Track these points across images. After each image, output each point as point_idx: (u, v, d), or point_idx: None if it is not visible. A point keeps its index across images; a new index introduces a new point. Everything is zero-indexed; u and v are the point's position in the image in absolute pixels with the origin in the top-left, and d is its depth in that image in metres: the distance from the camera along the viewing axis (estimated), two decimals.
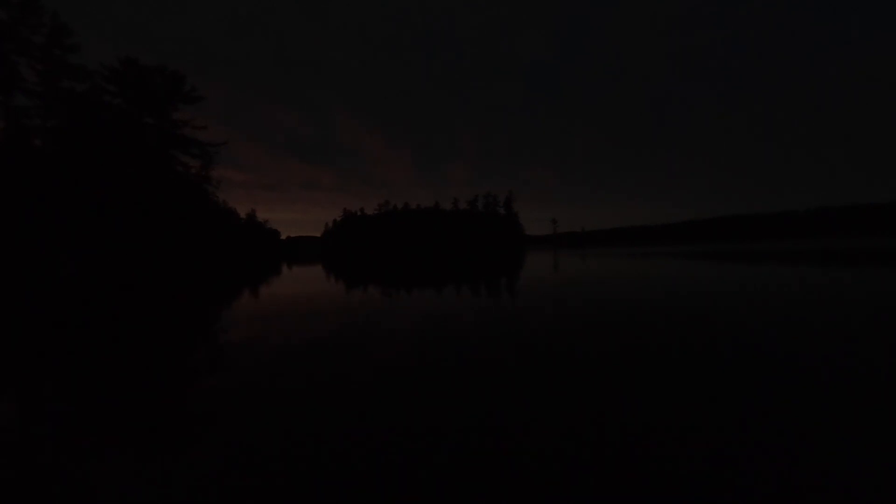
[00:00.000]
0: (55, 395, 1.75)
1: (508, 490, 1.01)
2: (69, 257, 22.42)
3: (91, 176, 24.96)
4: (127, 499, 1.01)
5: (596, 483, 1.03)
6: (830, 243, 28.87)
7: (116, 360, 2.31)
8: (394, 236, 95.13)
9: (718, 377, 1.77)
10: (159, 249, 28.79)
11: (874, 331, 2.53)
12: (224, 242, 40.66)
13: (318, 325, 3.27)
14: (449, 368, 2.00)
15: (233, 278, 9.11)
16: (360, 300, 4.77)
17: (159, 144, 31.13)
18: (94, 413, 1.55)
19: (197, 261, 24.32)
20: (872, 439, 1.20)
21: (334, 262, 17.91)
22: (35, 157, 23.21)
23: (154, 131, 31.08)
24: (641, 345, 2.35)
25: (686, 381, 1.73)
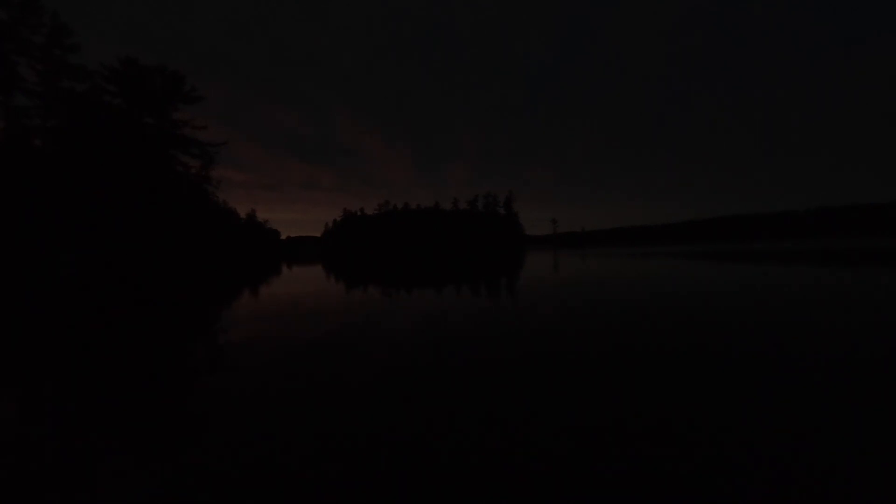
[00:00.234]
0: (55, 395, 1.75)
1: (508, 490, 1.01)
2: (69, 257, 22.42)
3: (91, 176, 24.96)
4: (127, 499, 1.01)
5: (595, 483, 1.03)
6: (830, 243, 28.87)
7: (116, 359, 2.31)
8: (394, 236, 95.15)
9: (718, 377, 1.77)
10: (159, 249, 28.79)
11: (874, 331, 2.53)
12: (224, 242, 40.68)
13: (318, 325, 3.27)
14: (449, 368, 2.00)
15: (233, 278, 9.11)
16: (360, 300, 4.77)
17: (159, 144, 31.14)
18: (94, 413, 1.55)
19: (197, 261, 24.31)
20: (872, 439, 1.20)
21: (334, 263, 17.91)
22: (35, 157, 23.22)
23: (154, 131, 31.09)
24: (641, 345, 2.35)
25: (686, 381, 1.73)
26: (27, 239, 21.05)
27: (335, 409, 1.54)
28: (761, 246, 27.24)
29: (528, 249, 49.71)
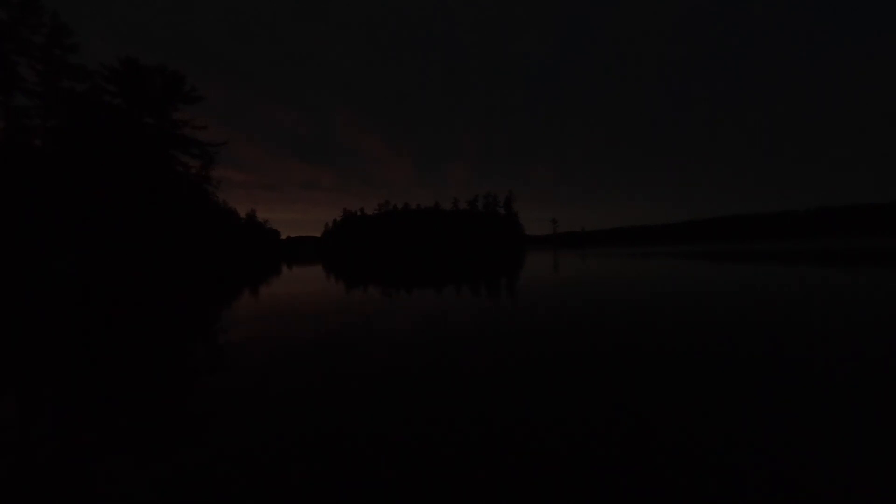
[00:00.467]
0: (55, 395, 1.75)
1: (508, 490, 1.01)
2: (69, 257, 22.42)
3: (91, 176, 24.96)
4: (127, 499, 1.01)
5: (596, 483, 1.03)
6: (830, 243, 28.87)
7: (116, 359, 2.32)
8: (394, 236, 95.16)
9: (718, 377, 1.77)
10: (159, 249, 28.79)
11: (874, 331, 2.53)
12: (224, 242, 40.67)
13: (318, 325, 3.27)
14: (449, 368, 2.00)
15: (233, 278, 9.11)
16: (360, 300, 4.77)
17: (159, 144, 31.13)
18: (94, 413, 1.55)
19: (197, 261, 24.31)
20: (872, 439, 1.20)
21: (334, 263, 17.90)
22: (35, 157, 23.21)
23: (154, 131, 31.07)
24: (641, 345, 2.35)
25: (686, 381, 1.73)
26: (27, 239, 21.05)
27: (335, 409, 1.54)
28: (761, 246, 27.23)
29: (528, 249, 49.69)
